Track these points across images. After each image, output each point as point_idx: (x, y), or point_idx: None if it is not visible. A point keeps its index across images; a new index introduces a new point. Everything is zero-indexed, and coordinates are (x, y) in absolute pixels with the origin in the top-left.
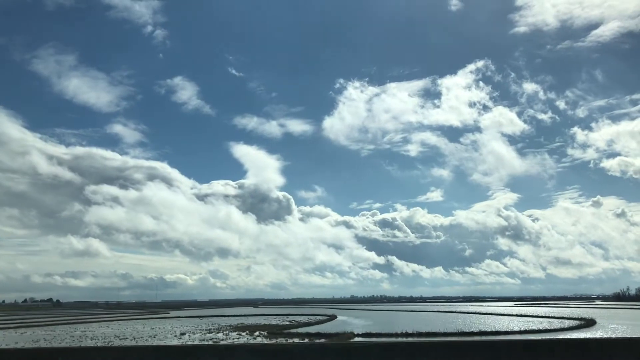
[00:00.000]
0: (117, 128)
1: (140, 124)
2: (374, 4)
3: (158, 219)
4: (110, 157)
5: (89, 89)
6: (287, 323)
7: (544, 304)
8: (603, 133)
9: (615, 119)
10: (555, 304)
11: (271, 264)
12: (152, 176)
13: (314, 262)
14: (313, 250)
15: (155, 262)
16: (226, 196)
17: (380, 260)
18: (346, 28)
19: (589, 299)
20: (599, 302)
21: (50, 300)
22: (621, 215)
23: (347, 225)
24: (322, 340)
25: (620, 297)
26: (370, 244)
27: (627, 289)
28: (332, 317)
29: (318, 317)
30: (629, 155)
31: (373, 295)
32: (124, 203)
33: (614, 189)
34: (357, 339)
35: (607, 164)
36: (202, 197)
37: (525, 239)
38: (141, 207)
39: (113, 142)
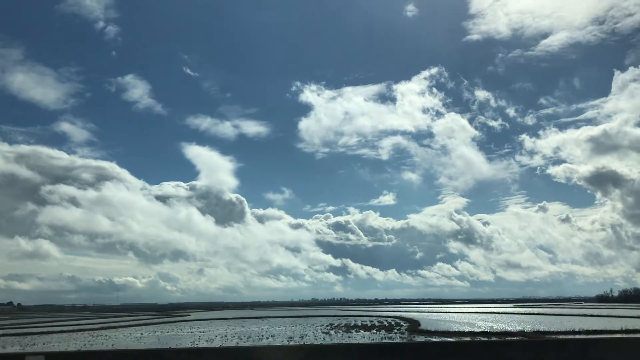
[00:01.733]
0: (65, 126)
1: (88, 123)
2: (330, 8)
3: (115, 220)
4: (57, 156)
5: (36, 85)
6: (384, 324)
7: (549, 305)
8: (550, 140)
9: (562, 127)
10: (554, 304)
11: (226, 267)
12: (101, 176)
13: (270, 265)
14: (271, 253)
15: (103, 265)
16: (189, 198)
17: (337, 263)
18: (302, 30)
19: (572, 300)
20: (583, 303)
21: (10, 303)
22: (566, 220)
23: (301, 227)
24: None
25: (603, 299)
26: (327, 247)
27: (611, 291)
28: (416, 322)
29: (395, 321)
30: (574, 163)
31: (334, 298)
32: (81, 203)
33: (558, 195)
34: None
35: (553, 170)
36: (163, 199)
37: (477, 243)
38: (99, 207)
39: (60, 141)
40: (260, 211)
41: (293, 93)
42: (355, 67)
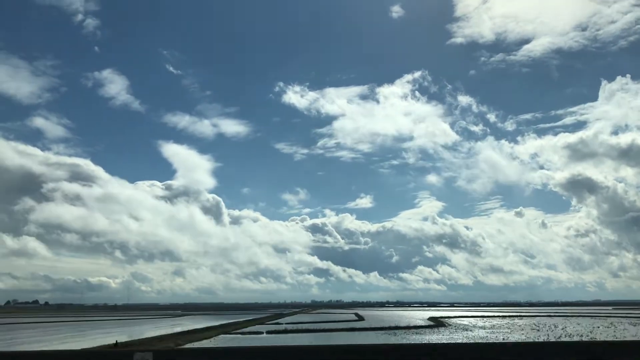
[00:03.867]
0: (39, 122)
1: (63, 118)
2: (313, 9)
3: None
4: (31, 153)
5: (9, 79)
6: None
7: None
8: (528, 146)
9: (540, 133)
10: (582, 310)
11: (209, 268)
12: (75, 174)
13: (257, 266)
14: (260, 255)
15: (74, 265)
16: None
17: (323, 265)
18: (285, 31)
19: (596, 304)
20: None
21: (36, 302)
22: (542, 225)
23: (288, 229)
24: None
25: (619, 301)
26: (312, 249)
27: None
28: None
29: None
30: (551, 169)
31: (331, 300)
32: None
33: (533, 200)
34: None
35: (529, 176)
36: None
37: (461, 247)
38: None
39: (34, 137)
40: (237, 212)
41: (276, 93)
42: (338, 68)
